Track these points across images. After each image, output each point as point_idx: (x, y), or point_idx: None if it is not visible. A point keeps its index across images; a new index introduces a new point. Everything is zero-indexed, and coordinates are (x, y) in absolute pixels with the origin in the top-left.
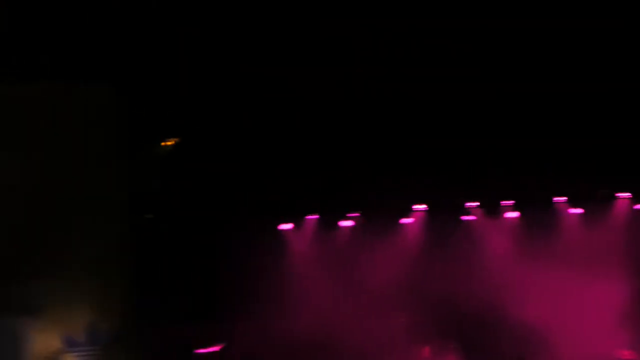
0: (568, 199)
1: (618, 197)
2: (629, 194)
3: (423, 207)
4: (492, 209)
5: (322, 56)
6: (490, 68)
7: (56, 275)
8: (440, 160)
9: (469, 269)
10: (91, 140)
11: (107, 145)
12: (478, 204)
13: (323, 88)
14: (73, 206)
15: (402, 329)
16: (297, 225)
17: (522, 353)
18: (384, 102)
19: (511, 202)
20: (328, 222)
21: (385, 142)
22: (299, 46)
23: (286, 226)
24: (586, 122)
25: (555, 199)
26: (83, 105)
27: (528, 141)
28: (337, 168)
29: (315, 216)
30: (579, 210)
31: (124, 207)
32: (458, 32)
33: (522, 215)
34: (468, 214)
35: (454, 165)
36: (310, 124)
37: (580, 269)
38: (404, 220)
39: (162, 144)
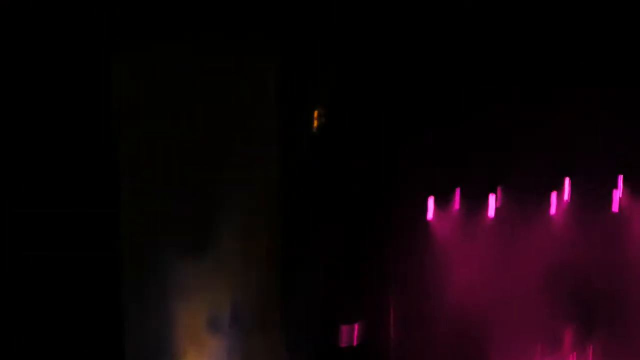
0: None
1: None
2: None
3: (569, 180)
4: None
5: None
6: None
7: (203, 254)
8: (587, 132)
9: (623, 250)
10: (244, 101)
11: (260, 107)
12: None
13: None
14: (220, 176)
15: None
16: (443, 199)
17: None
18: None
19: None
20: (474, 197)
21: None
22: None
23: (431, 200)
24: None
25: None
26: (238, 61)
27: None
28: (485, 140)
29: (460, 190)
30: None
31: (272, 178)
32: None
33: None
34: (616, 187)
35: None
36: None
37: None
38: (552, 195)
39: (316, 109)
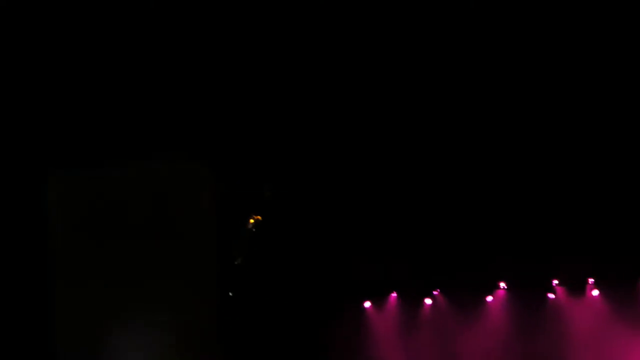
0: None
1: None
2: None
3: (505, 285)
4: (575, 287)
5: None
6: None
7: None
8: (521, 238)
9: (553, 348)
10: (179, 216)
11: (195, 222)
12: (559, 281)
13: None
14: (158, 286)
15: None
16: (379, 304)
17: None
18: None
19: (593, 280)
20: (410, 300)
21: (466, 218)
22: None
23: (368, 304)
24: None
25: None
26: (174, 180)
27: (610, 219)
28: (420, 246)
29: (396, 294)
30: None
31: (212, 286)
32: None
33: (606, 293)
34: (551, 292)
35: (536, 243)
36: (394, 208)
37: None
38: (487, 299)
39: (250, 220)
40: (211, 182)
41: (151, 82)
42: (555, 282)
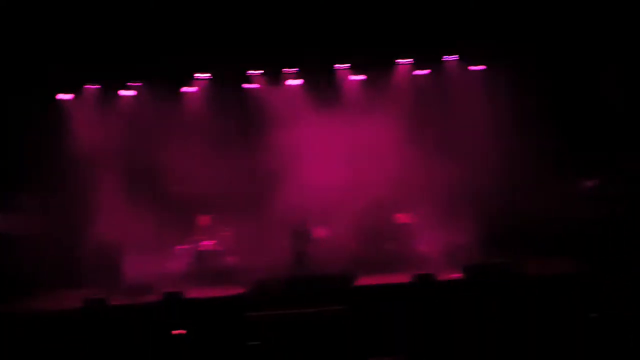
0: (350, 67)
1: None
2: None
3: (206, 75)
4: (274, 77)
5: None
6: None
7: None
8: (222, 29)
9: (252, 131)
10: None
11: None
12: (261, 72)
13: None
14: None
15: None
16: (77, 95)
17: (304, 222)
18: None
19: (294, 69)
20: (109, 92)
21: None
22: None
23: (65, 96)
24: None
25: (337, 66)
26: None
27: (313, 10)
28: (119, 35)
29: (96, 85)
30: (360, 77)
31: None
32: None
33: (305, 82)
34: (251, 82)
35: (237, 33)
36: None
37: (363, 132)
38: (186, 89)
39: None
40: None
41: None
42: (255, 72)
